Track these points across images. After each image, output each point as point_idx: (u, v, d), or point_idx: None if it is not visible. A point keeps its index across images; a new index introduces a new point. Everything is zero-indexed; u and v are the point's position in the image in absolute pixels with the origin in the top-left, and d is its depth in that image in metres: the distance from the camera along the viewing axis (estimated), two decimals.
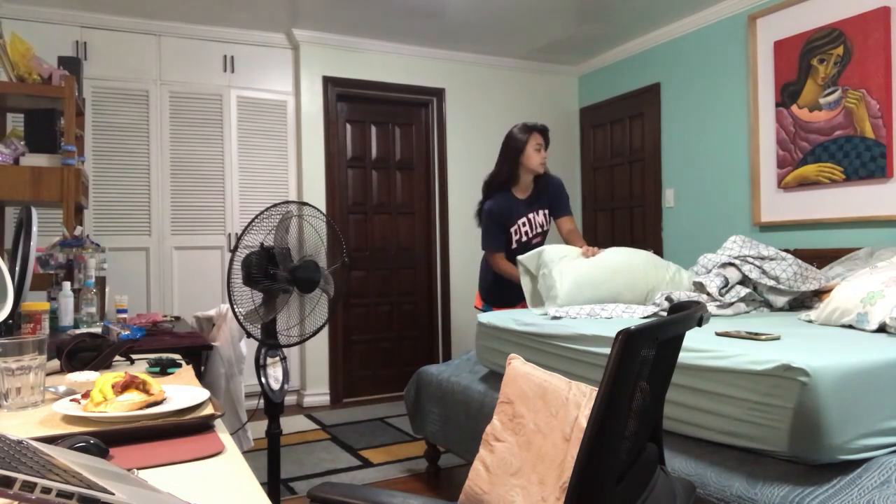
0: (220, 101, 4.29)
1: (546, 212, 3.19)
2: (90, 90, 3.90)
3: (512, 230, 3.11)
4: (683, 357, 1.65)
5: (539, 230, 3.17)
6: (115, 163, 4.02)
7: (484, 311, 3.21)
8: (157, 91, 4.13)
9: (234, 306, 2.00)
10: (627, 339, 0.78)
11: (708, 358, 1.68)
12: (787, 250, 3.53)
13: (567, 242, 3.15)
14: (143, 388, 1.07)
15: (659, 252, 4.55)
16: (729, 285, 2.58)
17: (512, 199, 3.11)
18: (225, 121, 4.30)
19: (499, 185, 3.11)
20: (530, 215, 3.14)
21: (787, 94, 3.66)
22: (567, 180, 5.28)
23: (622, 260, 2.78)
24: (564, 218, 3.21)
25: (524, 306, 2.98)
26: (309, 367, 4.42)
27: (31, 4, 3.76)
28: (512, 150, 3.08)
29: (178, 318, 3.05)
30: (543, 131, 3.10)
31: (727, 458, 1.60)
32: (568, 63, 5.26)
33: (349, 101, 4.64)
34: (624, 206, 4.92)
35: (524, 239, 3.13)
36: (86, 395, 1.06)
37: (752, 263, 2.62)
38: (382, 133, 4.80)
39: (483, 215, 3.14)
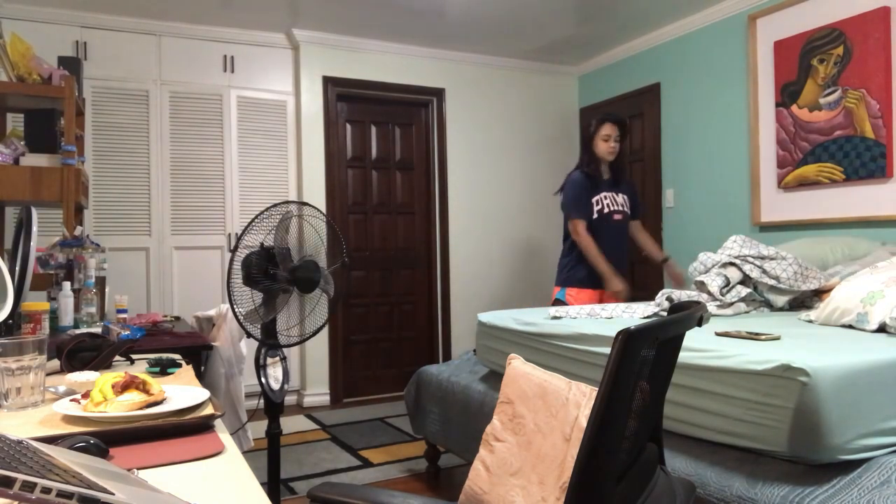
0: (220, 101, 4.29)
1: (626, 197, 3.46)
2: (90, 90, 3.90)
3: (594, 199, 3.35)
4: (683, 357, 1.65)
5: (620, 209, 3.41)
6: (115, 163, 4.02)
7: (558, 298, 3.40)
8: (157, 91, 4.13)
9: (234, 306, 2.00)
10: (627, 339, 0.78)
11: (708, 358, 1.68)
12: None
13: (639, 242, 3.58)
14: (143, 388, 1.07)
15: None
16: (730, 285, 2.58)
17: (594, 175, 3.39)
18: (225, 121, 4.29)
19: (586, 168, 3.41)
20: (612, 193, 3.41)
21: (787, 94, 3.65)
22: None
23: None
24: (637, 221, 3.59)
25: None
26: (309, 367, 4.42)
27: (31, 4, 3.76)
28: (584, 138, 3.50)
29: (178, 318, 3.05)
30: (617, 122, 3.39)
31: (727, 458, 1.60)
32: (568, 63, 5.26)
33: (349, 101, 4.64)
34: None
35: (605, 211, 3.37)
36: (86, 395, 1.06)
37: (752, 263, 2.62)
38: (382, 133, 4.80)
39: (569, 183, 3.42)
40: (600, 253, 3.25)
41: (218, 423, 1.03)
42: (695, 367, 1.70)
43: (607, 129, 3.34)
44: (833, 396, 1.44)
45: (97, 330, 2.04)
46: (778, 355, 1.53)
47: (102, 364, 1.47)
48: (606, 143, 3.34)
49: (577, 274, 3.35)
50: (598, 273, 3.25)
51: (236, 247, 2.00)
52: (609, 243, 3.29)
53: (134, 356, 1.60)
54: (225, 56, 4.30)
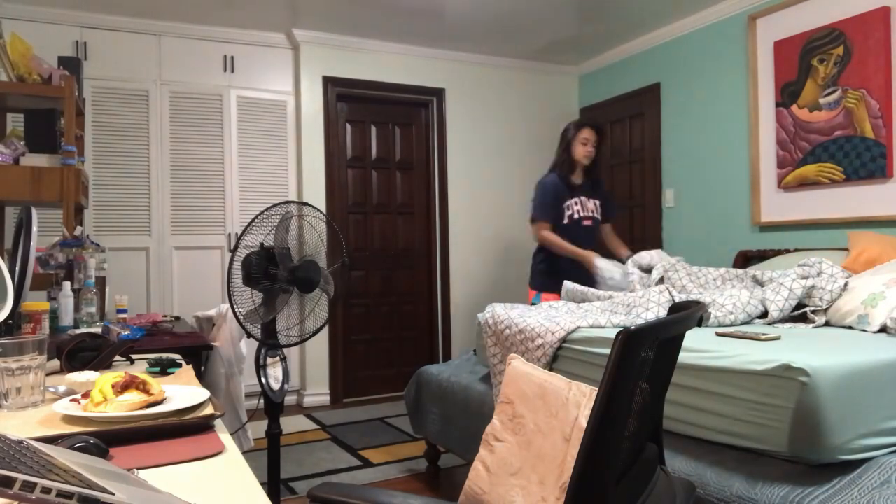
0: (220, 101, 4.29)
1: (598, 203, 3.54)
2: (90, 90, 3.90)
3: (565, 205, 3.43)
4: (683, 357, 1.65)
5: (590, 214, 3.50)
6: (115, 163, 4.02)
7: (534, 303, 3.33)
8: (157, 91, 4.13)
9: (234, 306, 2.00)
10: (627, 339, 0.78)
11: (708, 358, 1.68)
12: (786, 250, 3.54)
13: (606, 243, 3.62)
14: (143, 388, 1.07)
15: None
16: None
17: (567, 179, 3.45)
18: (225, 121, 4.29)
19: (560, 170, 3.47)
20: (583, 198, 3.48)
21: (787, 94, 3.65)
22: None
23: None
24: (609, 223, 3.64)
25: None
26: (309, 367, 4.42)
27: (31, 4, 3.76)
28: (562, 141, 3.51)
29: (178, 318, 3.04)
30: (595, 127, 3.46)
31: (727, 458, 1.60)
32: (568, 63, 5.25)
33: (349, 101, 4.64)
34: (624, 206, 4.91)
35: (576, 216, 3.45)
36: (86, 395, 1.06)
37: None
38: (382, 133, 4.79)
39: (539, 187, 3.48)
40: (564, 242, 3.34)
41: (218, 423, 1.03)
42: (695, 367, 1.70)
43: (586, 133, 3.41)
44: (833, 396, 1.44)
45: (97, 330, 2.04)
46: (778, 355, 1.53)
47: (102, 364, 1.47)
48: (585, 147, 3.41)
49: (550, 280, 3.37)
50: (575, 259, 3.31)
51: (236, 247, 2.00)
52: (577, 246, 3.35)
53: (134, 356, 1.60)
54: (225, 56, 4.30)
